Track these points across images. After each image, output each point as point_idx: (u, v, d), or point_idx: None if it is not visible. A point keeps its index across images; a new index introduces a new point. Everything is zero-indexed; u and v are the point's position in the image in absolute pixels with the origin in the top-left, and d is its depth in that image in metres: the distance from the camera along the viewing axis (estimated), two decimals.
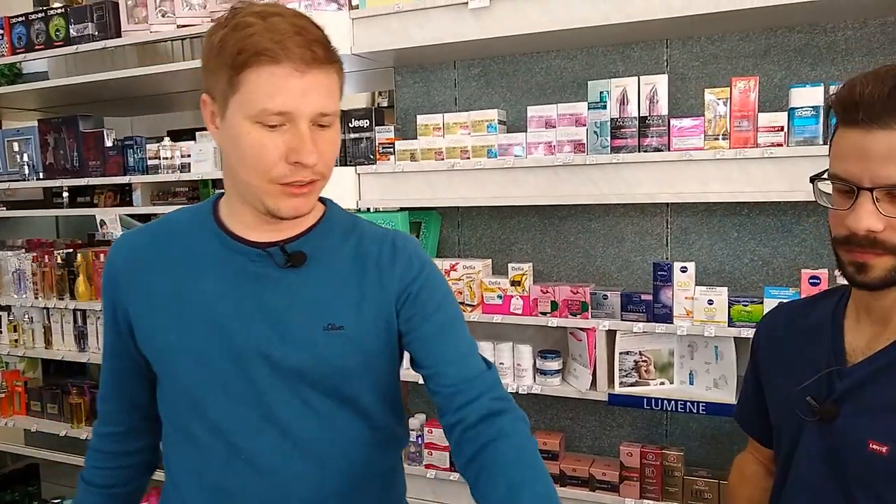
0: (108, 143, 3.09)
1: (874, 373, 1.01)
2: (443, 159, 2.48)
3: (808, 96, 2.03)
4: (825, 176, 1.02)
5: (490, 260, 2.63)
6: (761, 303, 2.07)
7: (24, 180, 3.31)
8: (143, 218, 3.25)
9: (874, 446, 0.98)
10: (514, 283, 2.40)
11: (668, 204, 2.44)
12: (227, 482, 1.09)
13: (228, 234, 1.09)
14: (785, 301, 1.27)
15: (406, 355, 1.19)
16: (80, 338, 3.19)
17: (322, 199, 1.17)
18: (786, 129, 2.06)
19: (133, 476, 1.25)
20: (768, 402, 1.21)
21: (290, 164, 0.98)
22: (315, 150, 0.98)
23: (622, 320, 2.24)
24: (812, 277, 2.03)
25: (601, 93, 2.26)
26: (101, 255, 3.08)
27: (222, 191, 1.14)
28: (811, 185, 1.06)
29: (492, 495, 0.99)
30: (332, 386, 1.09)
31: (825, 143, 2.02)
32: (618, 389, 2.28)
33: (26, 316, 3.33)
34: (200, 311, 1.07)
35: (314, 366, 1.07)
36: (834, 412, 1.03)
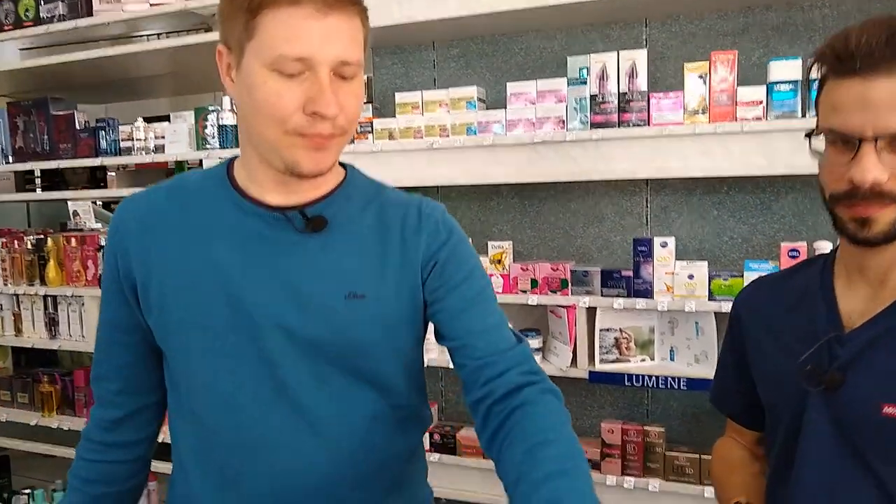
0: (80, 125, 3.02)
1: (878, 336, 0.97)
2: (422, 138, 2.46)
3: (787, 70, 2.03)
4: (819, 132, 0.98)
5: (470, 241, 2.60)
6: (741, 276, 2.07)
7: None
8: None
9: (888, 409, 0.94)
10: (494, 262, 2.38)
11: (647, 182, 2.44)
12: (235, 463, 1.02)
13: (244, 196, 1.03)
14: (759, 276, 1.22)
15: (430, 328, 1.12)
16: (51, 325, 3.12)
17: (342, 164, 1.10)
18: (765, 103, 2.06)
19: (127, 474, 1.15)
20: (757, 380, 1.15)
21: (309, 115, 0.91)
22: (335, 101, 0.91)
23: (602, 296, 2.23)
24: (791, 250, 2.03)
25: (581, 69, 2.25)
26: (73, 240, 3.01)
27: (236, 155, 1.08)
28: (806, 140, 0.99)
29: (512, 457, 0.91)
30: (352, 360, 1.02)
31: (804, 117, 2.03)
32: (598, 367, 2.27)
33: None
34: (211, 278, 1.00)
35: (334, 337, 1.00)
36: (839, 380, 0.98)
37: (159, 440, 1.16)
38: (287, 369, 1.00)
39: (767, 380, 1.12)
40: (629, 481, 2.21)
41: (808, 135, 1.00)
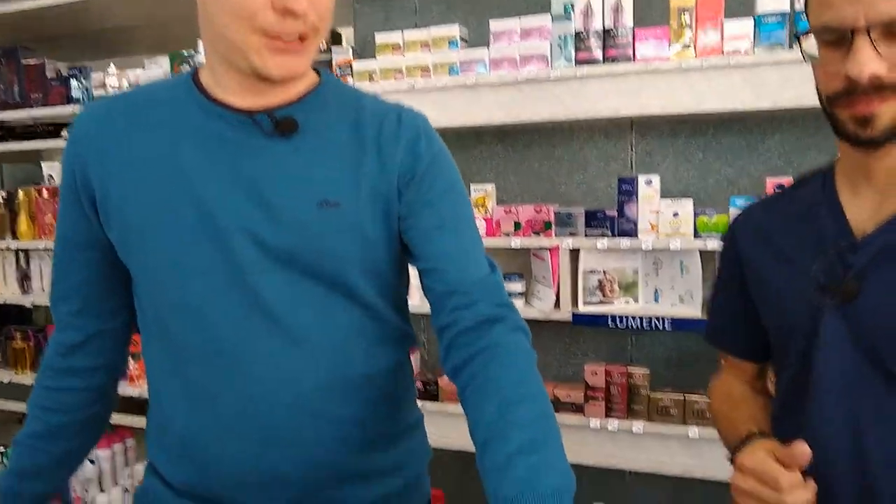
0: (51, 74, 2.94)
1: (894, 239, 0.92)
2: (403, 79, 2.40)
3: (775, 2, 1.99)
4: (809, 33, 0.93)
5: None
6: (727, 213, 2.04)
7: None
8: None
9: None
10: (477, 205, 2.34)
11: (632, 125, 2.40)
12: (207, 378, 0.96)
13: (209, 98, 0.96)
14: (755, 200, 1.15)
15: None
16: (24, 280, 3.04)
17: (317, 70, 1.04)
18: (752, 36, 2.02)
19: (85, 402, 1.08)
20: (762, 304, 1.09)
21: (278, 12, 0.86)
22: None
23: (586, 237, 2.19)
24: (777, 186, 2.00)
25: (565, 5, 2.20)
26: (45, 192, 2.94)
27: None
28: (798, 44, 0.96)
29: (482, 412, 0.88)
30: (327, 271, 0.95)
31: (791, 48, 1.99)
32: (582, 309, 2.23)
33: None
34: (174, 182, 0.94)
35: (306, 247, 0.94)
36: (855, 289, 0.93)
37: (135, 395, 1.09)
38: (258, 278, 0.94)
39: (774, 300, 1.06)
40: (613, 423, 2.19)
41: (798, 36, 0.95)
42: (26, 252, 3.03)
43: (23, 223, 2.96)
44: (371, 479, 1.04)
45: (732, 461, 0.97)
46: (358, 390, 1.00)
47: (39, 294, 3.03)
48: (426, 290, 1.01)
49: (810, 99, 0.99)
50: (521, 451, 0.81)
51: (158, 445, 1.06)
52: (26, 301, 3.04)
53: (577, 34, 2.18)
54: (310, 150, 0.96)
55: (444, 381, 2.45)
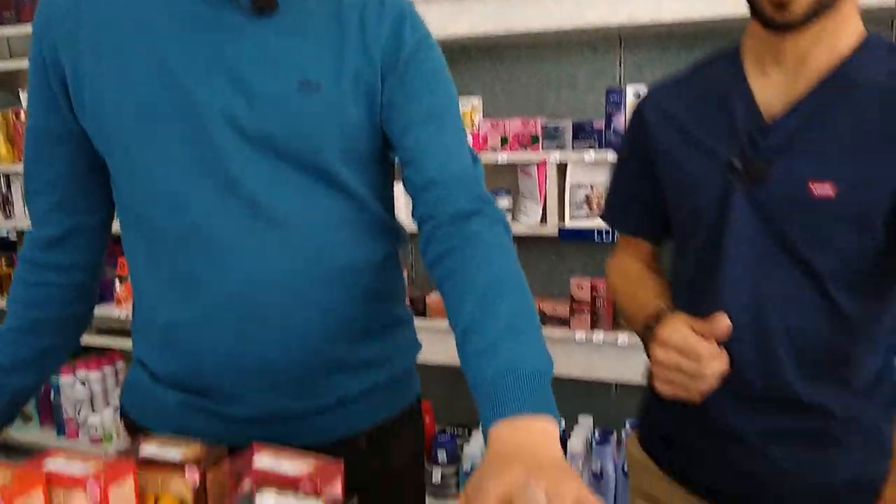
0: None
1: (806, 121, 0.94)
2: None
3: None
4: None
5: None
6: None
7: None
8: None
9: (819, 192, 0.92)
10: (463, 119, 2.31)
11: (621, 37, 2.35)
12: (190, 267, 0.94)
13: None
14: (663, 79, 1.13)
15: None
16: (5, 204, 3.00)
17: None
18: None
19: (63, 299, 1.06)
20: (671, 186, 1.09)
21: None
22: None
23: (573, 150, 2.17)
24: None
25: None
26: (22, 114, 2.87)
27: None
28: None
29: (462, 303, 0.86)
30: (306, 155, 0.93)
31: None
32: (568, 224, 2.23)
33: None
34: (150, 66, 0.90)
35: (285, 129, 0.91)
36: (764, 172, 0.96)
37: (123, 317, 1.06)
38: (238, 165, 0.91)
39: (683, 182, 1.06)
40: (598, 336, 2.21)
41: None
42: (7, 176, 2.98)
43: (1, 147, 2.91)
44: (358, 370, 1.04)
45: (643, 334, 1.01)
46: (342, 280, 0.99)
47: (22, 219, 2.99)
48: (405, 181, 0.99)
49: None
50: (501, 338, 0.81)
51: (143, 339, 1.05)
52: (9, 226, 3.01)
53: None
54: (290, 29, 0.93)
55: (431, 297, 2.46)
